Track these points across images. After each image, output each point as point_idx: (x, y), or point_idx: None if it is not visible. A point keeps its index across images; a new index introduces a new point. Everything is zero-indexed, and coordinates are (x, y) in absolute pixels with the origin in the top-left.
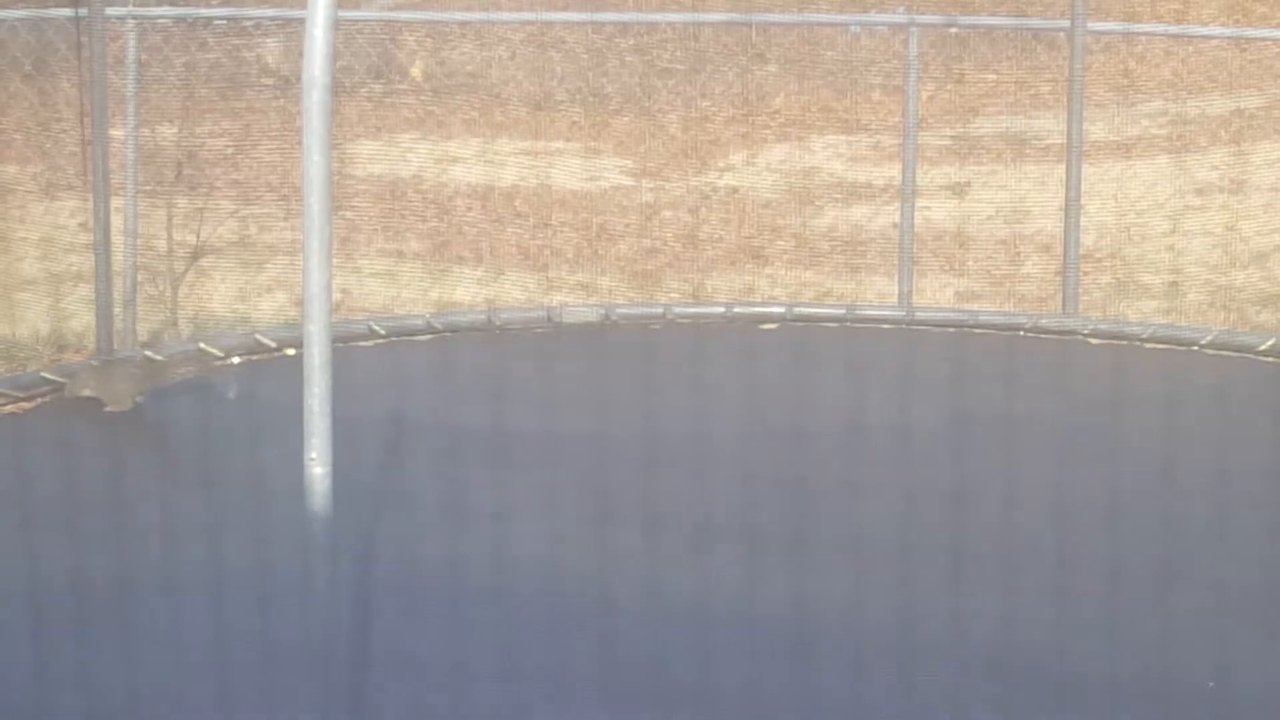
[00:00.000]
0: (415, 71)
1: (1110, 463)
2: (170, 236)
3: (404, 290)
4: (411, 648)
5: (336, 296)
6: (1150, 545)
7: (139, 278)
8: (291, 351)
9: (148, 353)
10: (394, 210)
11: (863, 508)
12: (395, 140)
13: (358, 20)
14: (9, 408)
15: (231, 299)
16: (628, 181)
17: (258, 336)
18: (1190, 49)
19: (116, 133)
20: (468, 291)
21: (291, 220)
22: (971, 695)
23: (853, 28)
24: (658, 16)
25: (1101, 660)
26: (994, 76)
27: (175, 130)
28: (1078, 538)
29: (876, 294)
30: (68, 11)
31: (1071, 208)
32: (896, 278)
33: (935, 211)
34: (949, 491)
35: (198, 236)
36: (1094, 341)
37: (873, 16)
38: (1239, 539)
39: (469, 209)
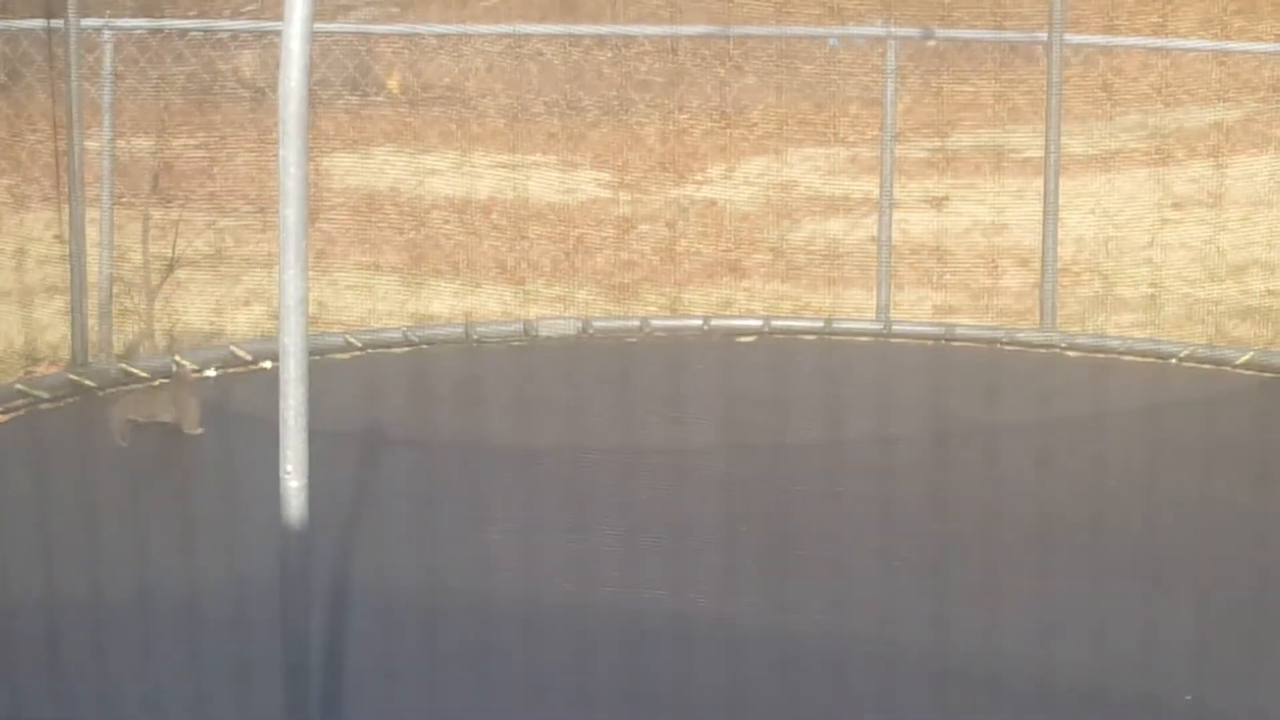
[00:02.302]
0: (392, 84)
1: (1085, 477)
2: (146, 248)
3: (380, 303)
4: (389, 662)
5: (313, 309)
6: (1127, 558)
7: (114, 290)
8: (268, 364)
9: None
10: (370, 223)
11: (842, 520)
12: (371, 152)
13: (334, 33)
14: None
15: (207, 312)
16: (605, 194)
17: (234, 349)
18: (1168, 62)
19: (92, 144)
20: (444, 304)
21: (268, 233)
22: (954, 706)
23: (831, 41)
24: (635, 29)
25: (1080, 669)
26: (972, 89)
27: (151, 142)
28: (1055, 550)
29: (854, 307)
30: (43, 23)
31: (1049, 221)
32: (874, 291)
33: (913, 224)
34: (926, 504)
35: (173, 249)
36: (1072, 355)
37: (851, 29)
38: (1216, 552)
39: (446, 221)
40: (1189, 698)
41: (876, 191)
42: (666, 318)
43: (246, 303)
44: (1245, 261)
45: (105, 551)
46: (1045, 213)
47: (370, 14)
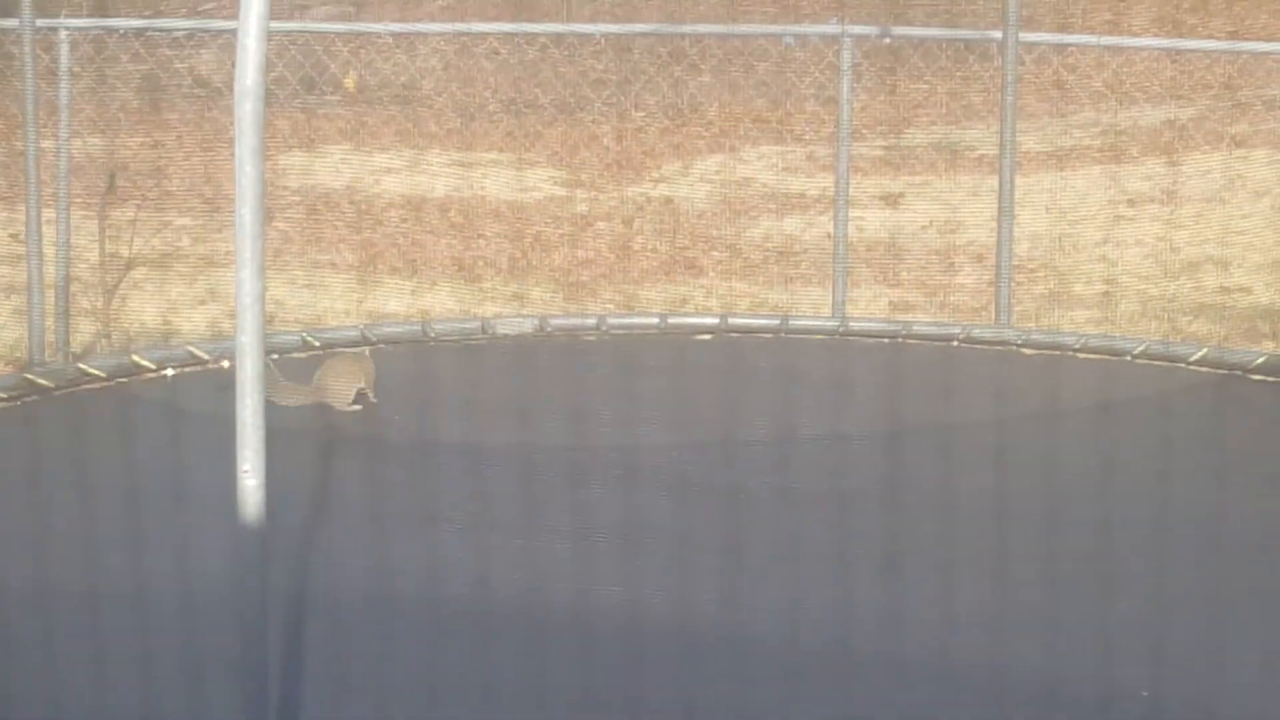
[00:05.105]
0: (349, 82)
1: (1040, 473)
2: (103, 248)
3: (337, 301)
4: (342, 662)
5: (269, 308)
6: (1082, 555)
7: (71, 289)
8: (226, 364)
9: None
10: (327, 221)
11: (799, 517)
12: (328, 151)
13: (290, 31)
14: None
15: (165, 311)
16: (561, 192)
17: (191, 349)
18: (1122, 60)
19: (48, 144)
20: (401, 302)
21: (225, 232)
22: (910, 702)
23: (787, 39)
24: (589, 28)
25: (1034, 668)
26: (927, 87)
27: (107, 141)
28: (1010, 546)
29: (810, 304)
30: None
31: (1004, 218)
32: (830, 288)
33: (869, 222)
34: (882, 501)
35: (130, 248)
36: (1027, 351)
37: (806, 27)
38: (1172, 548)
39: (402, 220)
40: (1145, 694)
41: (832, 189)
42: (623, 315)
43: (204, 302)
44: (1199, 258)
45: (60, 550)
46: (1000, 210)
47: (326, 13)
